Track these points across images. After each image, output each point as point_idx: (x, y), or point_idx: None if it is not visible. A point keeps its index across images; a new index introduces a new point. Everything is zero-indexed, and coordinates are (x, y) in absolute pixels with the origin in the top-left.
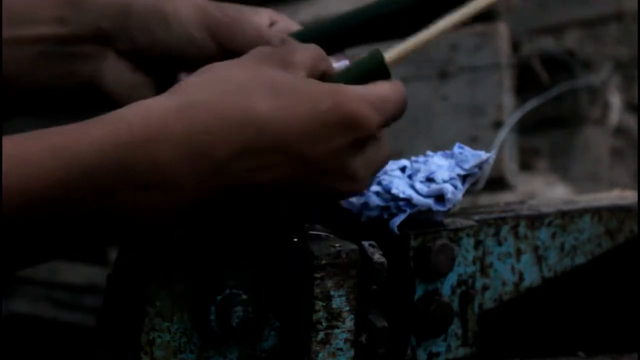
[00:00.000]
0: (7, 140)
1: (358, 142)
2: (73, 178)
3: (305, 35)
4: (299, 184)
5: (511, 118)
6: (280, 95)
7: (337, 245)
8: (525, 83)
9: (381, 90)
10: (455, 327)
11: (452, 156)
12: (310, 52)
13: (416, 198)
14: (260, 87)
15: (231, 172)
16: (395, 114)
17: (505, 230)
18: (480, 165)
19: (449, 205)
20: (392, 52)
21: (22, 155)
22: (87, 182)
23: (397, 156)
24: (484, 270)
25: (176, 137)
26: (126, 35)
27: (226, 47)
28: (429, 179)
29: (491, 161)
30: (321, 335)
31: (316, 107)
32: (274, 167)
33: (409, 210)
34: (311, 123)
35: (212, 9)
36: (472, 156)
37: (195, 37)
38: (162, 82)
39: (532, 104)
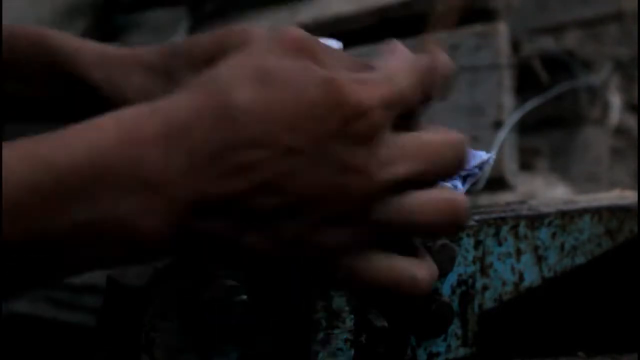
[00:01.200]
0: None
1: (359, 132)
2: (46, 185)
3: None
4: (294, 180)
5: (511, 118)
6: (265, 84)
7: None
8: (525, 83)
9: (395, 76)
10: (455, 327)
11: None
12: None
13: None
14: (245, 78)
15: (213, 173)
16: (412, 97)
17: (505, 230)
18: (480, 166)
19: None
20: None
21: None
22: (61, 187)
23: None
24: (484, 270)
25: (151, 137)
26: None
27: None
28: None
29: (492, 161)
30: (321, 335)
31: (303, 95)
32: (259, 164)
33: None
34: (296, 112)
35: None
36: (472, 156)
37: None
38: None
39: (532, 104)
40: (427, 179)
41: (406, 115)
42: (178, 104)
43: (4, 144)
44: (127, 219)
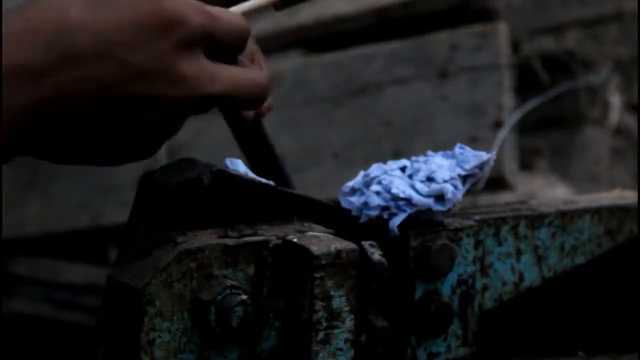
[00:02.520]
0: None
1: (183, 43)
2: None
3: None
4: (125, 91)
5: (511, 118)
6: (99, 3)
7: (337, 245)
8: (525, 83)
9: (216, 9)
10: (455, 327)
11: (452, 156)
12: None
13: (416, 198)
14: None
15: (52, 82)
16: (227, 34)
17: (505, 230)
18: (481, 166)
19: (449, 205)
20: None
21: None
22: None
23: (397, 156)
24: (484, 270)
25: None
26: None
27: None
28: (430, 179)
29: (492, 162)
30: (321, 335)
31: (134, 11)
32: (92, 74)
33: (409, 210)
34: (129, 27)
35: None
36: (472, 157)
37: None
38: None
39: (532, 104)
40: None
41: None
42: (17, 16)
43: None
44: None
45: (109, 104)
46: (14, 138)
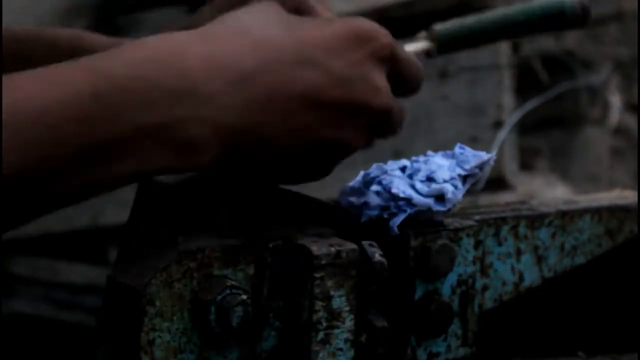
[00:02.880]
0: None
1: (376, 56)
2: (106, 93)
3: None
4: (329, 95)
5: (511, 118)
6: (293, 25)
7: (337, 245)
8: (525, 83)
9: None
10: (455, 327)
11: (453, 156)
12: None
13: (416, 198)
14: (275, 21)
15: (259, 83)
16: (408, 66)
17: (505, 230)
18: (481, 166)
19: (449, 205)
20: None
21: (53, 76)
22: (120, 95)
23: (397, 156)
24: (484, 270)
25: (200, 51)
26: None
27: None
28: (430, 179)
29: (492, 162)
30: (321, 335)
31: (327, 27)
32: (300, 78)
33: (409, 210)
34: (326, 38)
35: None
36: (473, 157)
37: None
38: None
39: (532, 104)
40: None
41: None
42: (216, 30)
43: (67, 62)
44: (179, 125)
45: (312, 107)
46: (215, 141)
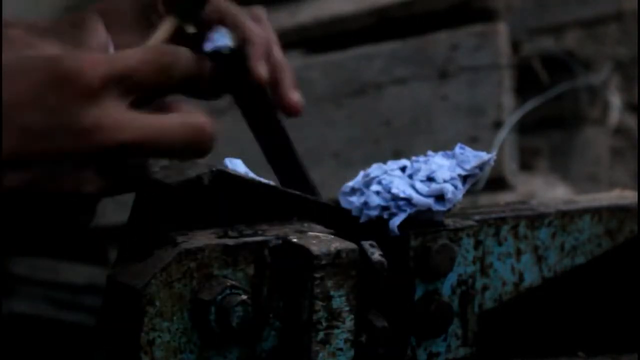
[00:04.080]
0: None
1: (80, 96)
2: None
3: None
4: (28, 151)
5: (511, 118)
6: (5, 75)
7: (337, 245)
8: (525, 83)
9: (125, 53)
10: (455, 327)
11: (453, 156)
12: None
13: (416, 198)
14: None
15: None
16: (137, 72)
17: (505, 230)
18: (481, 166)
19: (449, 205)
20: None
21: None
22: None
23: (397, 156)
24: (484, 270)
25: None
26: None
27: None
28: (430, 179)
29: (492, 162)
30: (321, 335)
31: (30, 75)
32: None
33: (409, 210)
34: (25, 90)
35: None
36: (473, 157)
37: None
38: None
39: (532, 104)
40: (148, 150)
41: (147, 98)
42: None
43: None
44: None
45: (18, 167)
46: None
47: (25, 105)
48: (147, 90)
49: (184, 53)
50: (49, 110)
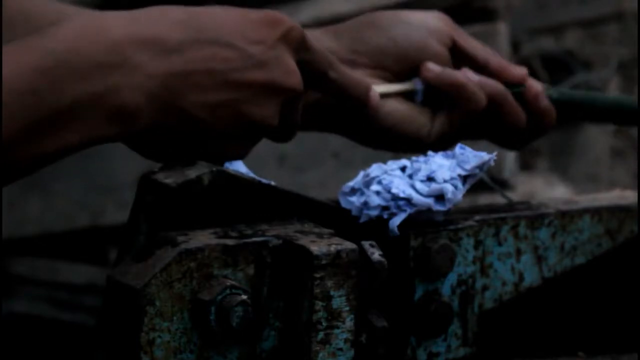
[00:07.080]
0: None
1: (286, 39)
2: (47, 67)
3: None
4: (246, 76)
5: None
6: (206, 12)
7: (337, 245)
8: None
9: None
10: (455, 327)
11: (453, 156)
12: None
13: (416, 197)
14: (191, 10)
15: (183, 57)
16: (315, 55)
17: (505, 230)
18: (481, 166)
19: (449, 205)
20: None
21: (5, 56)
22: (59, 68)
23: (397, 156)
24: (484, 270)
25: (125, 28)
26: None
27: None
28: (430, 179)
29: (492, 162)
30: (321, 335)
31: (246, 14)
32: (219, 57)
33: (409, 210)
34: (243, 22)
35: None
36: (473, 157)
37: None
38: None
39: None
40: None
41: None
42: (143, 11)
43: (17, 43)
44: (112, 93)
45: (230, 85)
46: (145, 108)
47: (247, 36)
48: (310, 69)
49: None
50: (265, 45)
